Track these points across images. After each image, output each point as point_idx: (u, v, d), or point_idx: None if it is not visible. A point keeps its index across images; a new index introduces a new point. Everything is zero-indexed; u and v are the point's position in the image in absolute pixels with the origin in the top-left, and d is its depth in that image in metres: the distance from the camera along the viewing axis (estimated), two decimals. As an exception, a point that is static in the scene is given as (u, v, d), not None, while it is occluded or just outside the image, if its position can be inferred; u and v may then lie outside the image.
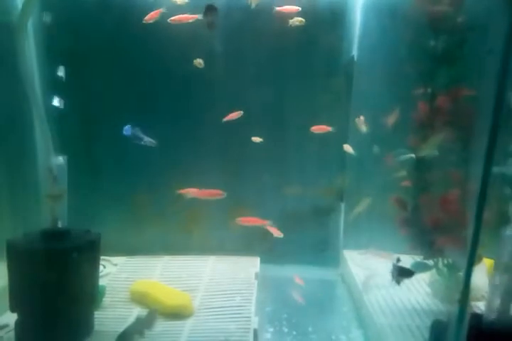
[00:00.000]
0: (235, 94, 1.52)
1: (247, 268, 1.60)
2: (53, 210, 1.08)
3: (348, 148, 1.52)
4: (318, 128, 1.50)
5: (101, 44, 1.50)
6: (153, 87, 1.57)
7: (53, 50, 1.50)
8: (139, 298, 1.36)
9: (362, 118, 1.47)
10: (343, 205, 1.71)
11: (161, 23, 1.40)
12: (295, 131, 1.61)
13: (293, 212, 1.71)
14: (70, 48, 1.49)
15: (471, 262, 0.88)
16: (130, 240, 1.67)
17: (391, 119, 1.32)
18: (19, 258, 1.05)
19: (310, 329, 1.32)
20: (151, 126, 1.59)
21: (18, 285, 1.06)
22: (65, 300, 1.07)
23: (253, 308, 1.30)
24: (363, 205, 1.49)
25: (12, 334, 1.11)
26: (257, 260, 1.66)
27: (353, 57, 1.53)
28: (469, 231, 0.85)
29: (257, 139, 1.53)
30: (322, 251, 1.73)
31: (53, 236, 1.10)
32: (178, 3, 1.40)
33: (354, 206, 1.63)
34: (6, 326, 1.18)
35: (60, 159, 1.06)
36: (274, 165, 1.65)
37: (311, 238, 1.73)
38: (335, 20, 1.51)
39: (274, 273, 1.65)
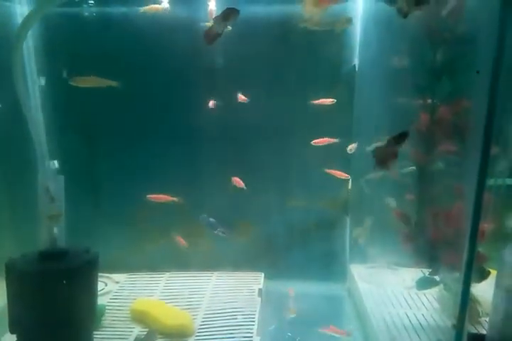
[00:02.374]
0: (235, 105, 1.51)
1: (251, 284, 1.57)
2: (51, 230, 1.07)
3: (352, 147, 1.48)
4: (320, 141, 1.49)
5: (100, 58, 1.51)
6: (153, 104, 1.57)
7: (53, 65, 1.52)
8: (139, 317, 1.34)
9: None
10: (348, 218, 1.67)
11: (160, 38, 1.42)
12: (297, 142, 1.59)
13: (297, 225, 1.68)
14: (69, 63, 1.50)
15: (467, 283, 0.85)
16: (131, 257, 1.65)
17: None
18: (17, 279, 1.04)
19: (314, 348, 1.28)
20: (152, 143, 1.61)
21: (16, 306, 1.05)
22: (63, 321, 1.06)
23: (255, 328, 1.27)
24: (365, 227, 1.46)
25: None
26: (261, 276, 1.63)
27: (354, 66, 1.52)
28: (464, 249, 0.82)
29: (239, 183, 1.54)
30: (328, 265, 1.69)
31: (51, 256, 1.09)
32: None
33: (359, 219, 1.60)
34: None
35: (58, 178, 1.06)
36: (277, 178, 1.62)
37: (316, 252, 1.69)
38: (336, 30, 1.50)
39: (278, 289, 1.61)
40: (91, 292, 1.13)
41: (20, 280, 1.04)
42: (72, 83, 1.23)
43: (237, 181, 1.53)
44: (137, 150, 1.60)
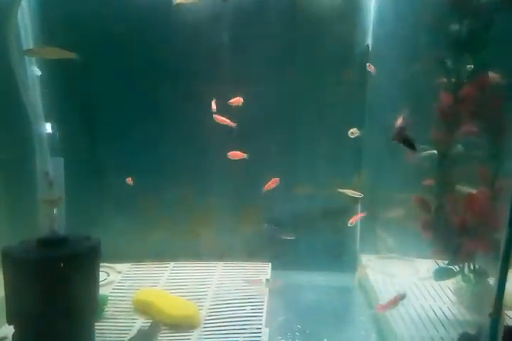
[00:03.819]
0: (244, 89, 1.44)
1: (258, 274, 1.52)
2: (50, 216, 1.01)
3: (355, 131, 1.40)
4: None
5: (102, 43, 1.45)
6: (156, 88, 1.50)
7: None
8: (142, 308, 1.29)
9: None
10: (359, 207, 1.61)
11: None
12: (307, 127, 1.52)
13: (305, 214, 1.62)
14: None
15: (505, 270, 0.78)
16: (135, 246, 1.60)
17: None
18: (15, 267, 0.99)
19: (325, 340, 1.23)
20: (157, 127, 1.54)
21: (14, 296, 1.00)
22: (63, 311, 1.01)
23: (264, 319, 1.22)
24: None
25: (8, 347, 1.05)
26: (268, 266, 1.58)
27: (367, 46, 1.44)
28: (501, 234, 0.76)
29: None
30: (337, 255, 1.63)
31: (50, 243, 1.03)
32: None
33: (370, 207, 1.54)
34: (4, 339, 1.12)
35: (57, 161, 1.00)
36: (285, 165, 1.55)
37: (325, 242, 1.63)
38: (348, 8, 1.42)
39: (286, 279, 1.56)
40: (92, 281, 1.07)
41: (17, 268, 0.99)
42: (26, 55, 1.13)
43: (235, 154, 1.45)
44: (142, 135, 1.53)
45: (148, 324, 1.18)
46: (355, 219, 1.46)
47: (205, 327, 1.20)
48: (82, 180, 1.49)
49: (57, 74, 1.46)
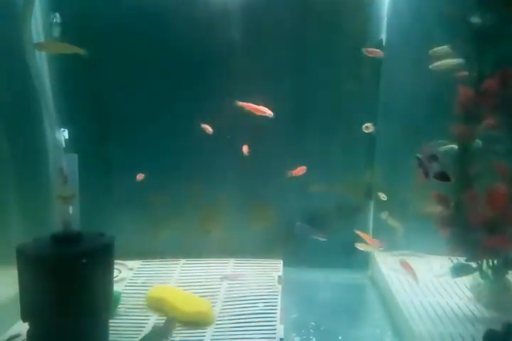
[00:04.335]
0: (255, 83, 1.43)
1: (270, 271, 1.51)
2: (65, 212, 1.00)
3: (369, 126, 1.38)
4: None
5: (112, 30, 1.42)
6: (167, 85, 1.49)
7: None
8: (155, 305, 1.28)
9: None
10: (372, 203, 1.59)
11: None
12: (319, 122, 1.50)
13: (317, 211, 1.61)
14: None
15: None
16: (146, 243, 1.59)
17: None
18: (29, 264, 0.98)
19: (340, 338, 1.22)
20: (167, 124, 1.53)
21: (28, 293, 0.99)
22: (77, 308, 1.00)
23: (278, 316, 1.21)
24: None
25: (23, 344, 1.04)
26: (280, 263, 1.57)
27: (381, 40, 1.42)
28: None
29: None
30: (349, 252, 1.62)
31: (65, 240, 1.02)
32: None
33: (384, 204, 1.52)
34: (18, 336, 1.11)
35: (72, 157, 0.99)
36: (298, 161, 1.54)
37: (337, 239, 1.62)
38: (361, 1, 1.39)
39: (298, 276, 1.55)
40: (107, 278, 1.07)
41: (32, 265, 0.98)
42: (37, 49, 1.13)
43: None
44: (152, 133, 1.53)
45: (163, 320, 1.18)
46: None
47: (218, 324, 1.19)
48: (92, 177, 1.48)
49: (68, 69, 1.45)
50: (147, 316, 1.24)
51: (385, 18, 1.41)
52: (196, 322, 1.18)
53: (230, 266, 1.55)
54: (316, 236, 1.36)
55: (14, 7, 1.15)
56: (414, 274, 1.21)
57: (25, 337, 1.05)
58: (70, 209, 1.01)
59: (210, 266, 1.55)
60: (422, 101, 1.29)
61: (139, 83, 1.47)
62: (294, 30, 1.45)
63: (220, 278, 1.42)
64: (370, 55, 1.35)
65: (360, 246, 1.42)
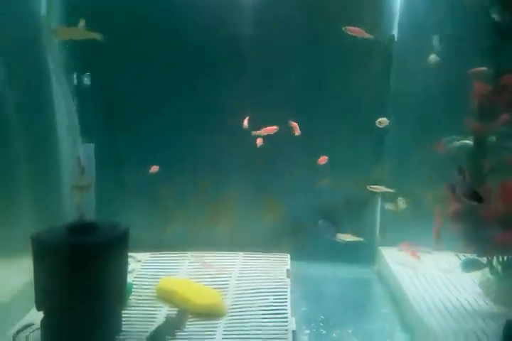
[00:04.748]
0: (264, 77, 1.43)
1: (278, 265, 1.51)
2: (80, 202, 1.00)
3: (383, 121, 1.38)
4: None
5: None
6: (176, 78, 1.49)
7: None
8: (166, 296, 1.28)
9: None
10: (379, 199, 1.60)
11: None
12: (328, 118, 1.50)
13: (325, 206, 1.61)
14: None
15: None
16: (154, 235, 1.59)
17: None
18: (45, 253, 0.98)
19: (350, 331, 1.23)
20: (176, 117, 1.52)
21: (43, 282, 0.99)
22: (92, 297, 1.00)
23: (289, 308, 1.22)
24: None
25: (38, 333, 1.04)
26: (287, 257, 1.57)
27: (393, 36, 1.42)
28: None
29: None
30: (356, 247, 1.63)
31: (80, 230, 1.03)
32: None
33: (391, 200, 1.53)
34: (31, 325, 1.11)
35: (88, 147, 0.99)
36: (306, 156, 1.54)
37: (344, 233, 1.63)
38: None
39: (304, 270, 1.55)
40: (121, 268, 1.07)
41: (48, 254, 0.98)
42: (55, 35, 1.13)
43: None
44: (161, 125, 1.52)
45: (174, 312, 1.18)
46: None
47: (230, 316, 1.20)
48: (102, 169, 1.48)
49: (75, 60, 1.44)
50: (158, 307, 1.24)
51: (398, 13, 1.41)
52: (208, 314, 1.18)
53: (239, 259, 1.56)
54: (335, 237, 1.37)
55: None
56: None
57: (38, 326, 1.06)
58: (86, 199, 1.01)
59: (219, 259, 1.55)
60: (433, 97, 1.29)
61: (148, 77, 1.46)
62: (305, 25, 1.44)
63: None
64: (352, 34, 1.33)
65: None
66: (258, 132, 1.42)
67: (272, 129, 1.43)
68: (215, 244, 1.61)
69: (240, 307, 1.24)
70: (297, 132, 1.40)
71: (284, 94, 1.48)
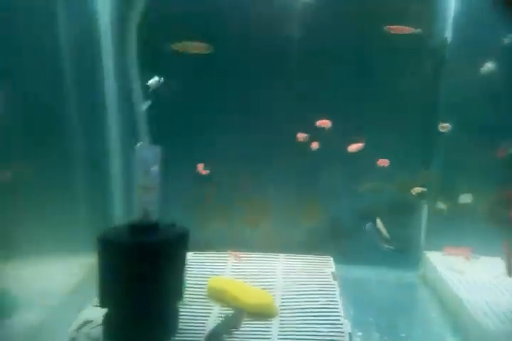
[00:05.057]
0: (315, 80, 1.43)
1: (322, 267, 1.52)
2: (145, 202, 1.03)
3: (445, 126, 1.36)
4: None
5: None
6: (228, 77, 1.50)
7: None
8: (217, 295, 1.30)
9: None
10: (425, 203, 1.59)
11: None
12: (376, 121, 1.50)
13: (368, 209, 1.61)
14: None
15: None
16: (197, 235, 1.60)
17: None
18: (111, 251, 1.01)
19: (404, 335, 1.22)
20: (220, 115, 1.52)
21: (108, 279, 1.02)
22: (154, 296, 1.02)
23: (342, 311, 1.22)
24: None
25: (98, 329, 1.07)
26: (330, 259, 1.57)
27: (446, 39, 1.41)
28: None
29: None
30: (400, 251, 1.62)
31: (144, 229, 1.05)
32: None
33: (439, 203, 1.52)
34: (90, 322, 1.14)
35: (155, 149, 1.01)
36: (349, 158, 1.54)
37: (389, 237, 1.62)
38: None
39: (347, 273, 1.55)
40: (181, 267, 1.09)
41: (114, 252, 1.00)
42: (174, 47, 1.17)
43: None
44: (204, 123, 1.53)
45: (227, 310, 1.20)
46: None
47: (282, 317, 1.20)
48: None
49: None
50: (210, 306, 1.26)
51: (452, 16, 1.39)
52: (260, 314, 1.20)
53: (281, 260, 1.57)
54: (383, 242, 1.36)
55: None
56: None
57: (97, 323, 1.09)
58: (150, 200, 1.04)
59: (262, 260, 1.56)
60: (487, 101, 1.28)
61: (202, 76, 1.48)
62: (355, 30, 1.44)
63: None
64: (397, 32, 1.32)
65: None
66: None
67: (326, 122, 1.44)
68: (255, 245, 1.61)
69: (289, 309, 1.25)
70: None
71: (332, 98, 1.48)
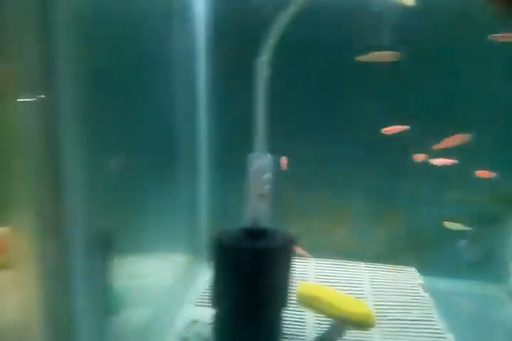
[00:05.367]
0: (405, 89, 1.43)
1: (406, 278, 1.50)
2: (258, 209, 1.06)
3: None
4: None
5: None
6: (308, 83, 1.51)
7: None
8: (308, 302, 1.30)
9: None
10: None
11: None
12: (461, 127, 1.45)
13: (451, 219, 1.57)
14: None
15: None
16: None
17: None
18: (226, 254, 1.04)
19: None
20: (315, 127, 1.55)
21: (221, 281, 1.05)
22: (266, 300, 1.05)
23: (442, 324, 1.20)
24: None
25: (207, 329, 1.11)
26: (414, 270, 1.55)
27: None
28: None
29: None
30: (485, 264, 1.58)
31: (254, 234, 1.08)
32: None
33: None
34: (196, 321, 1.18)
35: (268, 158, 1.04)
36: (434, 167, 1.51)
37: (472, 249, 1.58)
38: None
39: (431, 286, 1.52)
40: (288, 273, 1.11)
41: (229, 256, 1.03)
42: (359, 60, 1.23)
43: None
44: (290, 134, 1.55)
45: (335, 319, 1.20)
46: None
47: (380, 328, 1.20)
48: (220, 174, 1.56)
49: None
50: (302, 312, 1.28)
51: None
52: (359, 323, 1.19)
53: (363, 269, 1.56)
54: (476, 259, 1.33)
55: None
56: None
57: (204, 323, 1.12)
58: (262, 206, 1.07)
59: (344, 268, 1.56)
60: None
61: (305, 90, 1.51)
62: (448, 37, 1.42)
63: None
64: (504, 40, 1.29)
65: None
66: (387, 130, 1.42)
67: (400, 128, 1.43)
68: (335, 253, 1.62)
69: (385, 319, 1.24)
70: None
71: (424, 106, 1.47)
